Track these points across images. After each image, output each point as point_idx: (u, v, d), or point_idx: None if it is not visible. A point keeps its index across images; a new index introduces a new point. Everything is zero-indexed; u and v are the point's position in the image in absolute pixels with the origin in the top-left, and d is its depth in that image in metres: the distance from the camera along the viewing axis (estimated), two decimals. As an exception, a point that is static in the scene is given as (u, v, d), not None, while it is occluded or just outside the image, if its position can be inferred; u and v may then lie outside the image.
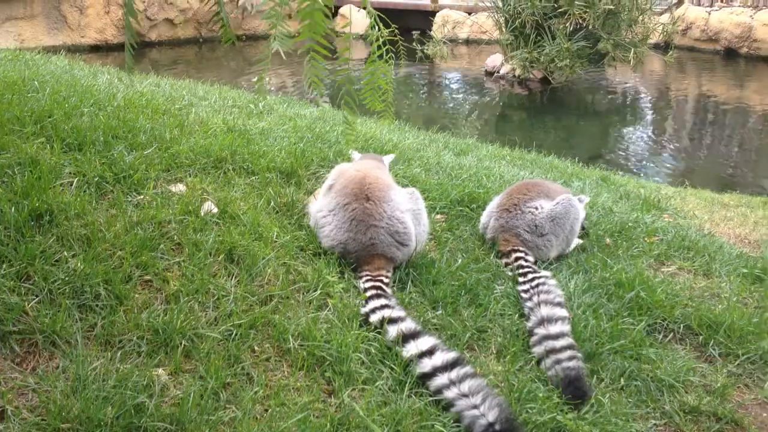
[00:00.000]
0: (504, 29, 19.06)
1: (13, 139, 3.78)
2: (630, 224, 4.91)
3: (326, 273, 3.56)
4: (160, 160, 4.11)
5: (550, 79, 18.08)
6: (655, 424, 3.08)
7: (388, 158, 4.54)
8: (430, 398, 2.95)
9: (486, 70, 20.52)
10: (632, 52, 17.57)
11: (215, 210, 3.82)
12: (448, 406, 2.91)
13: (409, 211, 3.85)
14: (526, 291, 3.68)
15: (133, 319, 2.98)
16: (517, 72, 18.94)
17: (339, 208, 3.80)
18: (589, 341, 3.44)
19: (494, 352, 3.36)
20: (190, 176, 4.10)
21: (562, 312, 3.48)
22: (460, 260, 3.96)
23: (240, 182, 4.24)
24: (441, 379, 2.97)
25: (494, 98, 19.51)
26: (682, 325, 3.70)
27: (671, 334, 3.67)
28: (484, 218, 4.33)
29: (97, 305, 3.01)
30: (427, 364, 3.03)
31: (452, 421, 2.85)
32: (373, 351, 3.12)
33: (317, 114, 6.46)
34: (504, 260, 4.06)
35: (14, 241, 3.10)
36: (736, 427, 3.10)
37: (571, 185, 5.77)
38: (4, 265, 2.99)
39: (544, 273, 3.87)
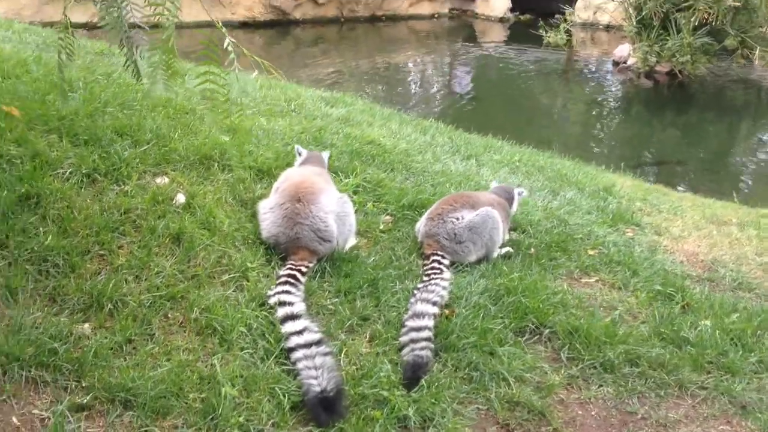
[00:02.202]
0: (633, 19, 19.01)
1: (31, 134, 4.79)
2: (578, 236, 5.43)
3: (250, 260, 4.38)
4: (154, 156, 5.03)
5: (677, 72, 17.86)
6: (477, 408, 3.72)
7: (326, 155, 5.29)
8: (286, 368, 3.72)
9: (614, 60, 20.52)
10: (757, 50, 17.25)
11: (183, 201, 4.71)
12: (297, 375, 3.67)
13: (333, 213, 4.60)
14: (418, 289, 4.36)
15: (78, 285, 3.91)
16: (638, 64, 18.88)
17: (276, 207, 4.61)
18: (456, 335, 4.08)
19: (368, 337, 4.07)
20: (175, 171, 5.00)
21: (433, 309, 4.14)
22: (377, 258, 4.68)
23: (220, 178, 5.11)
24: (299, 353, 3.73)
25: (616, 89, 19.54)
26: (548, 330, 4.27)
27: (537, 336, 4.25)
28: (418, 224, 5.01)
29: (54, 271, 3.96)
30: (293, 341, 3.80)
31: (295, 387, 3.61)
32: (257, 326, 3.92)
33: (343, 114, 7.22)
34: (423, 262, 4.74)
35: (2, 216, 4.10)
36: (543, 419, 3.69)
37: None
38: (-13, 235, 3.99)
39: (445, 276, 4.53)
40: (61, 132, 4.95)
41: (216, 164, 5.21)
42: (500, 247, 5.04)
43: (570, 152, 9.01)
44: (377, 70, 20.33)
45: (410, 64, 21.64)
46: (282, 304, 4.02)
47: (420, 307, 4.14)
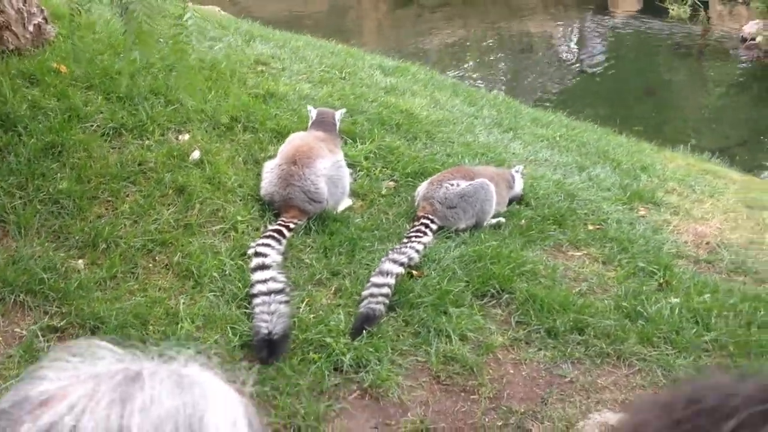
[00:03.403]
0: (762, -8, 18.16)
1: (72, 90, 5.36)
2: (582, 212, 5.55)
3: (242, 214, 4.79)
4: (182, 115, 5.51)
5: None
6: (415, 359, 4.00)
7: (339, 113, 5.59)
8: (247, 311, 4.12)
9: (742, 36, 19.68)
10: None
11: (198, 157, 5.17)
12: (252, 318, 4.07)
13: (325, 176, 4.94)
14: (393, 249, 4.65)
15: (81, 226, 4.44)
16: (758, 40, 18.05)
17: (275, 167, 5.00)
18: (416, 294, 4.36)
19: (333, 290, 4.41)
20: (199, 130, 5.46)
21: (398, 269, 4.42)
22: (366, 219, 4.99)
23: (240, 138, 5.54)
24: (258, 299, 4.12)
25: (740, 68, 18.78)
26: (508, 295, 4.47)
27: (496, 301, 4.46)
28: (419, 188, 5.27)
29: (63, 213, 4.50)
30: (257, 288, 4.19)
31: (248, 328, 4.01)
32: (230, 272, 4.33)
33: (392, 83, 7.50)
34: (413, 223, 5.02)
35: (26, 162, 4.68)
36: (472, 374, 3.93)
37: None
38: (11, 177, 4.57)
39: (424, 239, 4.79)
40: (101, 89, 5.48)
41: (239, 125, 5.63)
42: (493, 218, 5.23)
43: (672, 132, 8.88)
44: (500, 39, 20.26)
45: (535, 34, 21.35)
46: (257, 254, 4.41)
47: (387, 265, 4.42)
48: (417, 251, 4.64)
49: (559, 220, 5.37)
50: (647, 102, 15.37)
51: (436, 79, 8.75)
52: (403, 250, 4.59)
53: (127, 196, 4.74)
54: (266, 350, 3.88)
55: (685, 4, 19.63)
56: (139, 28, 4.17)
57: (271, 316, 3.99)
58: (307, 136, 5.27)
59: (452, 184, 5.07)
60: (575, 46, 20.72)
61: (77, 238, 4.37)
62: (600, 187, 6.13)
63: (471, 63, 18.39)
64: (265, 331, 3.93)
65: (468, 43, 19.83)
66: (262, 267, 4.32)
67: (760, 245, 5.65)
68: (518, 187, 5.49)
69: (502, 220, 5.26)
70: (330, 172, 4.99)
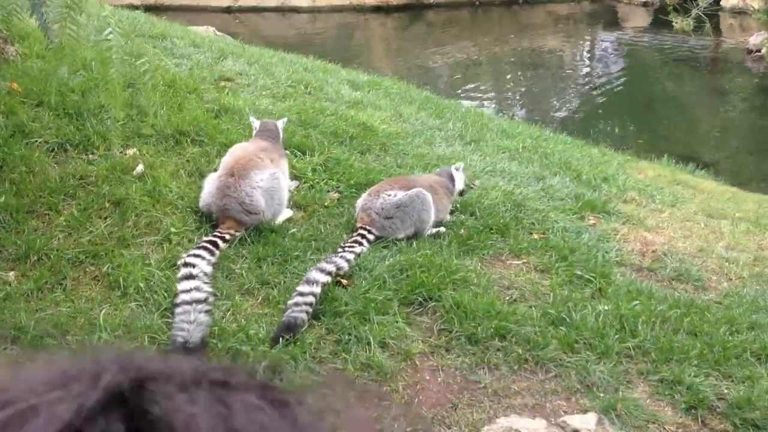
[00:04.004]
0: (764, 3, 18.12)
1: (23, 107, 5.47)
2: (528, 221, 5.56)
3: (177, 225, 4.86)
4: (130, 130, 5.61)
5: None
6: (333, 367, 4.04)
7: (282, 122, 5.68)
8: (168, 321, 4.17)
9: (747, 48, 19.59)
10: None
11: (141, 171, 5.26)
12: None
13: (260, 188, 5.00)
14: (324, 259, 4.69)
15: (15, 238, 4.53)
16: (763, 52, 17.97)
17: (215, 178, 5.07)
18: (342, 303, 4.40)
19: (261, 300, 4.46)
20: (147, 144, 5.56)
21: (324, 278, 4.45)
22: (303, 230, 5.04)
23: (188, 151, 5.62)
24: (180, 309, 4.17)
25: (744, 80, 18.71)
26: (435, 303, 4.49)
27: (422, 308, 4.48)
28: (359, 200, 5.32)
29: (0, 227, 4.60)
30: (180, 298, 4.24)
31: (167, 338, 4.06)
32: (156, 282, 4.39)
33: (358, 97, 7.56)
34: (351, 234, 5.06)
35: (-36, 178, 4.79)
36: (387, 380, 3.96)
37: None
38: (-51, 193, 4.68)
39: (356, 249, 4.82)
40: (51, 106, 5.59)
41: (188, 139, 5.71)
42: (435, 227, 5.25)
43: (672, 144, 8.84)
44: (512, 54, 20.27)
45: (546, 50, 21.27)
46: (186, 265, 4.47)
47: (313, 274, 4.46)
48: (347, 260, 4.67)
49: (502, 229, 5.38)
50: (655, 114, 15.35)
51: (410, 93, 8.82)
52: (332, 259, 4.63)
53: (64, 209, 4.83)
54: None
55: (688, 17, 19.58)
56: (59, 42, 4.24)
57: (190, 325, 4.04)
58: (249, 147, 5.34)
59: (389, 195, 5.11)
60: (587, 62, 20.66)
61: (10, 250, 4.46)
62: (553, 197, 6.14)
63: (482, 80, 18.36)
64: (182, 340, 3.98)
65: (478, 60, 19.83)
66: (188, 277, 4.37)
67: (709, 254, 5.63)
68: (459, 184, 5.52)
69: (443, 229, 5.29)
70: (267, 184, 5.04)
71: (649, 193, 6.84)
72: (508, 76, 18.23)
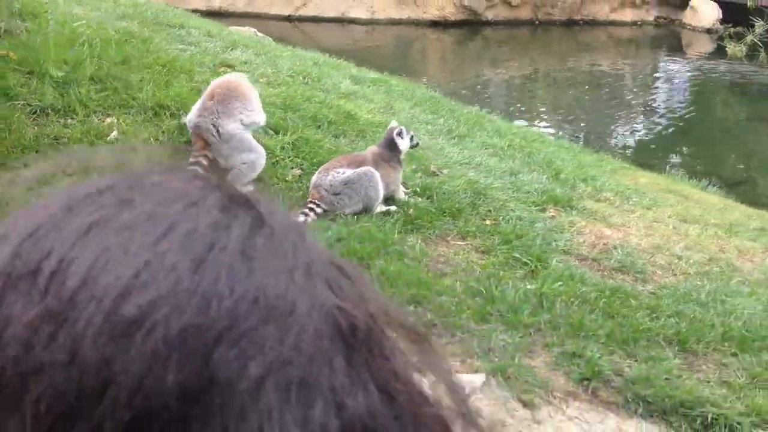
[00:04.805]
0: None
1: (11, 73, 5.87)
2: (484, 208, 5.71)
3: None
4: (112, 100, 5.95)
5: None
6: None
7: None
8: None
9: (800, 75, 19.22)
10: None
11: (115, 136, 5.59)
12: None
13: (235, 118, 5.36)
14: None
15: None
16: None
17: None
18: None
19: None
20: (127, 115, 5.89)
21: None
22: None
23: (165, 124, 5.94)
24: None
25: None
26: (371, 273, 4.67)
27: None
28: (312, 177, 5.54)
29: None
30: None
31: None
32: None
33: (355, 90, 7.81)
34: (301, 208, 5.29)
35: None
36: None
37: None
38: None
39: (300, 219, 5.04)
40: (40, 75, 5.96)
41: (167, 113, 6.02)
42: (387, 205, 5.44)
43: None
44: (570, 75, 20.21)
45: (606, 72, 21.05)
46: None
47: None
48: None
49: (454, 213, 5.52)
50: (714, 140, 15.11)
51: (414, 92, 9.02)
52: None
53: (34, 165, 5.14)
54: None
55: (742, 43, 19.30)
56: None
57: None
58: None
59: (338, 172, 5.31)
60: (648, 86, 20.35)
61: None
62: (519, 189, 6.24)
63: (538, 99, 18.26)
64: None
65: (535, 78, 19.77)
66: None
67: (663, 251, 5.66)
68: (404, 146, 5.65)
69: (393, 208, 5.46)
70: (246, 118, 5.33)
71: (627, 195, 6.88)
72: (566, 97, 18.09)
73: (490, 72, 20.13)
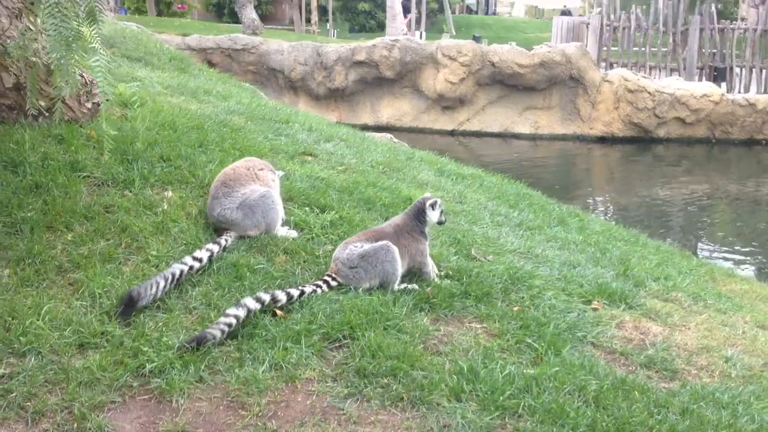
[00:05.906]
0: None
1: (85, 149, 6.36)
2: (516, 294, 5.48)
3: (160, 250, 5.36)
4: (177, 176, 6.29)
5: None
6: (222, 378, 4.24)
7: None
8: (103, 320, 4.64)
9: None
10: None
11: (165, 208, 5.89)
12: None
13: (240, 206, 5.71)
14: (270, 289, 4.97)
15: (24, 245, 5.25)
16: None
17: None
18: (263, 329, 4.62)
19: (196, 317, 4.79)
20: (184, 189, 6.21)
21: (254, 305, 4.67)
22: (277, 269, 5.35)
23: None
24: (142, 301, 4.71)
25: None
26: (354, 342, 4.57)
27: (339, 343, 4.56)
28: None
29: (16, 233, 5.36)
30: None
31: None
32: (115, 291, 4.88)
33: (425, 181, 7.82)
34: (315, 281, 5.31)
35: (11, 193, 5.63)
36: (260, 395, 4.08)
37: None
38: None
39: (306, 290, 5.03)
40: (117, 153, 6.39)
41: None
42: (409, 283, 5.35)
43: None
44: (751, 197, 19.30)
45: None
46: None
47: (245, 300, 4.74)
48: (288, 294, 4.90)
49: (480, 296, 5.33)
50: None
51: (509, 189, 8.91)
52: (274, 291, 4.89)
53: (77, 228, 5.50)
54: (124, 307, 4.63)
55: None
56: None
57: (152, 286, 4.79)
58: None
59: (356, 246, 5.30)
60: None
61: (12, 253, 5.15)
62: (569, 281, 5.93)
63: (714, 220, 17.30)
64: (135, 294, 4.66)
65: (711, 198, 18.85)
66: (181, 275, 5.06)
67: (712, 352, 5.16)
68: (434, 218, 5.55)
69: (415, 287, 5.34)
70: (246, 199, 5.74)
71: (703, 298, 6.36)
72: (745, 221, 16.95)
73: (661, 190, 19.35)
